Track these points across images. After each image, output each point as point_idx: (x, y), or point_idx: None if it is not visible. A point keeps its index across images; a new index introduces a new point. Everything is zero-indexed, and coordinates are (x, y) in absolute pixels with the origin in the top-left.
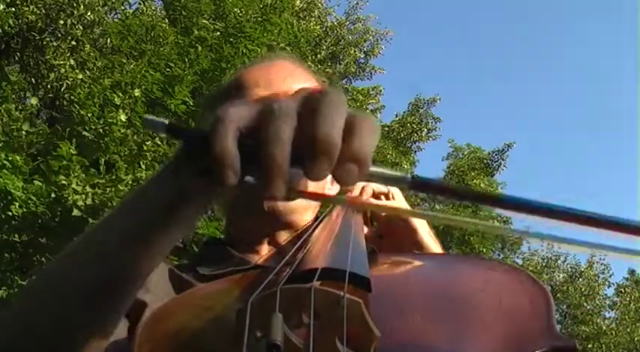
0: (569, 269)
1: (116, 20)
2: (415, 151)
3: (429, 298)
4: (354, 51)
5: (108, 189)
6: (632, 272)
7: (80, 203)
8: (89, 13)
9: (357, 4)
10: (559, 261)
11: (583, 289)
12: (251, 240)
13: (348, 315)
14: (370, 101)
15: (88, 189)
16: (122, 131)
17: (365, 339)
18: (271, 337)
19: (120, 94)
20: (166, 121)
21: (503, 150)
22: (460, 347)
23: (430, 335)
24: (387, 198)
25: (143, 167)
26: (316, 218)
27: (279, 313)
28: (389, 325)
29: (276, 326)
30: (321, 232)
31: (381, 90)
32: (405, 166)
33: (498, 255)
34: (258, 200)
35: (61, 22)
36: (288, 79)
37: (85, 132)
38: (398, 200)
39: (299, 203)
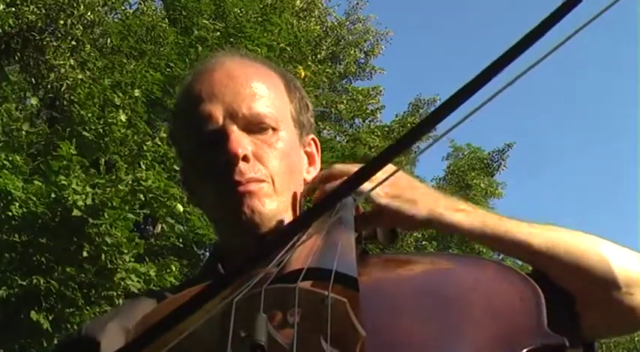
0: None
1: (116, 20)
2: (415, 151)
3: (420, 297)
4: (354, 51)
5: (108, 189)
6: None
7: (80, 203)
8: (89, 13)
9: (357, 4)
10: None
11: None
12: (236, 250)
13: (333, 315)
14: (370, 101)
15: (88, 189)
16: (122, 131)
17: (350, 339)
18: (255, 337)
19: (120, 94)
20: None
21: (503, 150)
22: (450, 345)
23: (420, 334)
24: None
25: (143, 167)
26: None
27: (263, 313)
28: (379, 324)
29: (261, 326)
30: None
31: (381, 91)
32: (405, 166)
33: (498, 254)
34: (234, 218)
35: (61, 22)
36: (230, 83)
37: (85, 132)
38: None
39: (274, 208)
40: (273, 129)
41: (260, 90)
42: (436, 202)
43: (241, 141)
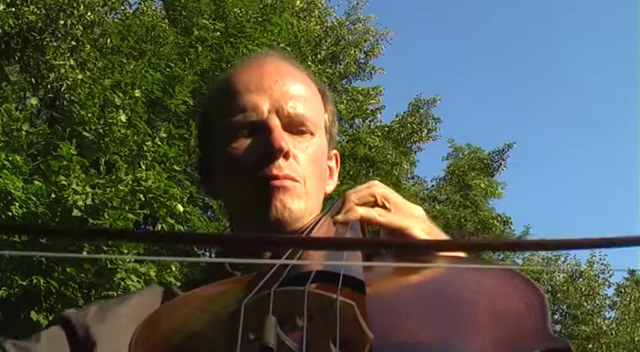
0: (569, 270)
1: (116, 20)
2: (415, 151)
3: (424, 299)
4: (354, 51)
5: (108, 189)
6: (632, 272)
7: (80, 203)
8: (89, 13)
9: (357, 4)
10: (559, 261)
11: (583, 289)
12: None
13: (341, 318)
14: (370, 101)
15: (88, 189)
16: (122, 131)
17: (358, 342)
18: (264, 340)
19: (120, 94)
20: None
21: (503, 150)
22: (455, 348)
23: (425, 336)
24: (380, 206)
25: (143, 167)
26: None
27: (272, 316)
28: (385, 326)
29: (269, 329)
30: (318, 234)
31: (381, 91)
32: (405, 166)
33: (498, 255)
34: (263, 211)
35: (61, 22)
36: (279, 80)
37: (85, 133)
38: (396, 206)
39: (303, 209)
40: (311, 133)
41: (305, 94)
42: None
43: (284, 137)
